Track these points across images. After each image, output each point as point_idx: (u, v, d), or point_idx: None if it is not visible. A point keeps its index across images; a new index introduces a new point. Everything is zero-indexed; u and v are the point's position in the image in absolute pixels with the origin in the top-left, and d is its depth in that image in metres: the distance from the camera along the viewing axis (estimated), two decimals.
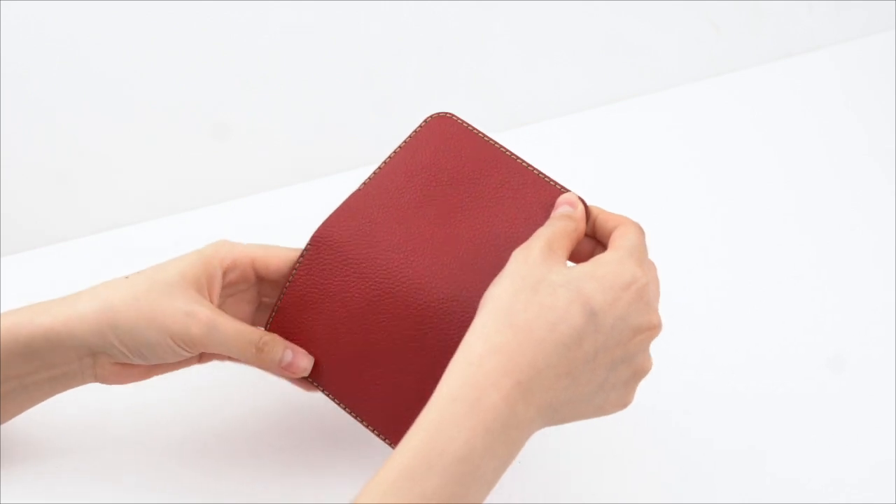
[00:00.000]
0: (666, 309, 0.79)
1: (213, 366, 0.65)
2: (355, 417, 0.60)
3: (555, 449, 0.69)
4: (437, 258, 0.58)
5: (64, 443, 0.68)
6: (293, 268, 0.60)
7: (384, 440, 0.59)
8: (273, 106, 0.92)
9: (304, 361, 0.60)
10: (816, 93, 0.96)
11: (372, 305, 0.58)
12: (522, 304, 0.52)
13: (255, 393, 0.70)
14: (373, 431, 0.59)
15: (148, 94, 0.89)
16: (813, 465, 0.69)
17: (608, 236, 0.58)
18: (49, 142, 0.87)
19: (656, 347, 0.75)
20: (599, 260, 0.54)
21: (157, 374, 0.63)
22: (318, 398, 0.63)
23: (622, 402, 0.56)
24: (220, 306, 0.62)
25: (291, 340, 0.60)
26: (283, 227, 0.71)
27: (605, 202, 0.88)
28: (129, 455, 0.67)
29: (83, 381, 0.62)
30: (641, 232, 0.58)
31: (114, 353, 0.59)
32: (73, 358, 0.60)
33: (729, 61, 0.99)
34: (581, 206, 0.59)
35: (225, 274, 0.61)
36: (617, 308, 0.53)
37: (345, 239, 0.59)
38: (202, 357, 0.63)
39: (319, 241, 0.59)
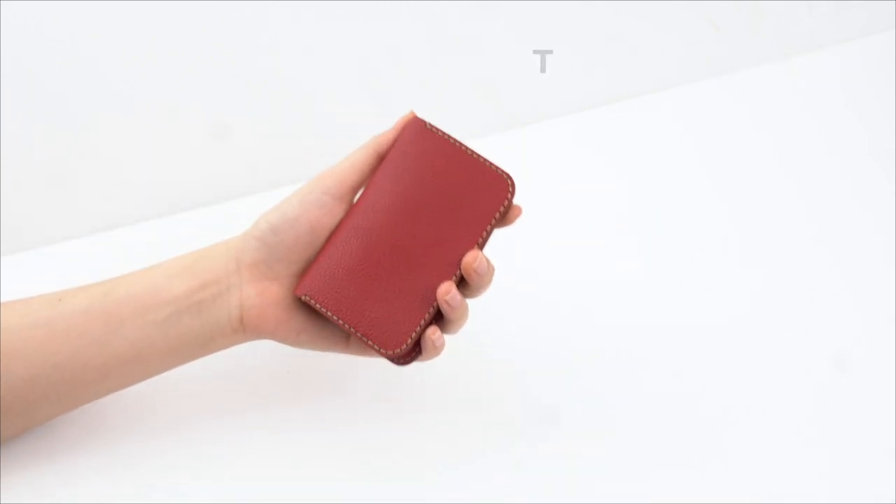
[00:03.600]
0: (667, 308, 0.79)
1: (214, 369, 0.65)
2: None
3: (554, 450, 0.69)
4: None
5: (64, 441, 0.68)
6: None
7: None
8: (273, 106, 0.92)
9: None
10: (816, 93, 0.96)
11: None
12: None
13: (254, 394, 0.70)
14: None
15: (148, 94, 0.89)
16: (814, 465, 0.69)
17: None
18: (49, 142, 0.87)
19: (658, 346, 0.75)
20: None
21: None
22: (316, 395, 0.63)
23: None
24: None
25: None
26: None
27: (605, 202, 0.88)
28: (129, 454, 0.68)
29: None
30: None
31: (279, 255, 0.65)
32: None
33: (729, 61, 0.99)
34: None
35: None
36: None
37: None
38: None
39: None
